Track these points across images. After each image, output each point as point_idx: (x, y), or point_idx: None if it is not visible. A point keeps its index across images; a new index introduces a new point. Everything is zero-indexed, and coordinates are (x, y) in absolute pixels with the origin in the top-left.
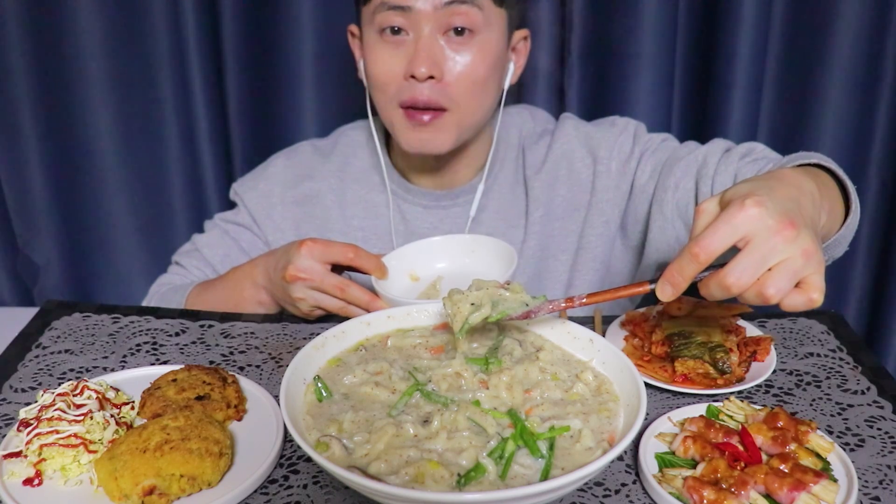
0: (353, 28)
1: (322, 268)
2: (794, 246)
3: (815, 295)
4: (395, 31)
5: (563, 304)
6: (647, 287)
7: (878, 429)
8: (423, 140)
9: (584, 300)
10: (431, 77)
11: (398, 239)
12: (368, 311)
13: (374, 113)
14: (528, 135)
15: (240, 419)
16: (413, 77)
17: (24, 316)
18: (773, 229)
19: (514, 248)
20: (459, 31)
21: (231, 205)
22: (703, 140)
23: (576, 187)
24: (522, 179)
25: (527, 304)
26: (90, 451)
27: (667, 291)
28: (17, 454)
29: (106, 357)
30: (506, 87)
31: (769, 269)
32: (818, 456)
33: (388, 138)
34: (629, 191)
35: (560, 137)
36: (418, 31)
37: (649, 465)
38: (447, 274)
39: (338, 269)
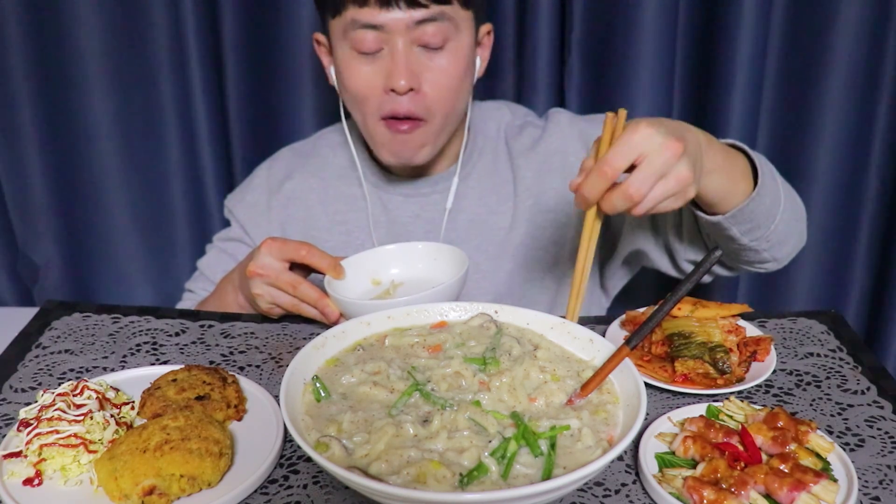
0: (320, 37)
1: (280, 265)
2: (681, 161)
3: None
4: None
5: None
6: (627, 348)
7: (878, 429)
8: (400, 151)
9: (580, 393)
10: (411, 89)
11: (380, 229)
12: (317, 307)
13: (347, 115)
14: (509, 126)
15: (240, 419)
16: (393, 90)
17: (24, 316)
18: (664, 146)
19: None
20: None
21: (227, 222)
22: None
23: (568, 180)
24: (508, 168)
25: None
26: (90, 451)
27: (580, 204)
28: (17, 454)
29: (106, 357)
30: (474, 81)
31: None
32: (818, 456)
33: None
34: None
35: (554, 132)
36: (392, 45)
37: (649, 465)
38: (406, 279)
39: (305, 272)
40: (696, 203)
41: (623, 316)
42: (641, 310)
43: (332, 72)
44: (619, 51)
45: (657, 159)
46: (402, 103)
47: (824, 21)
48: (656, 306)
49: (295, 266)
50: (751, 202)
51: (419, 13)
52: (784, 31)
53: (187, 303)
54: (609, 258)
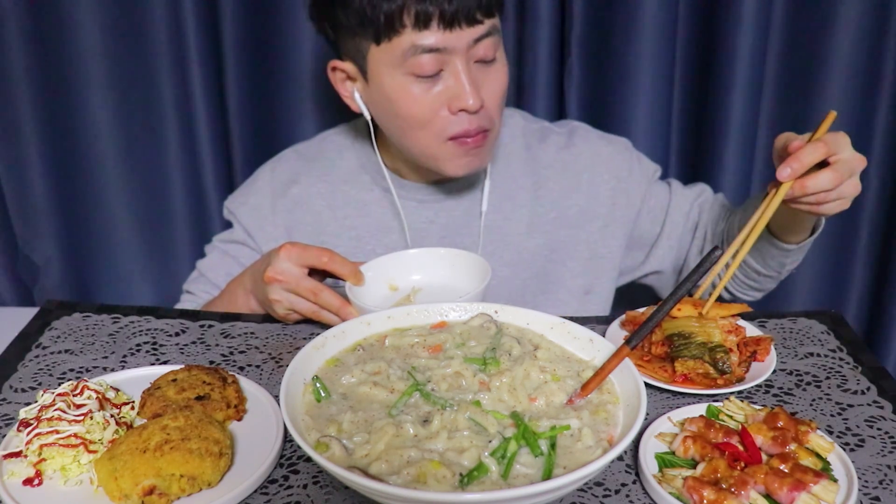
0: (339, 63)
1: (299, 271)
2: (858, 175)
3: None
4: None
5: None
6: (627, 348)
7: (878, 429)
8: (470, 163)
9: (581, 393)
10: (481, 106)
11: (392, 234)
12: (339, 315)
13: (357, 115)
14: (526, 131)
15: (240, 419)
16: (463, 110)
17: (24, 316)
18: (857, 156)
19: (509, 255)
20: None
21: (227, 223)
22: (703, 142)
23: (593, 199)
24: (526, 174)
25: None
26: (90, 451)
27: (786, 172)
28: (17, 454)
29: (106, 357)
30: None
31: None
32: (818, 456)
33: (376, 137)
34: (638, 210)
35: (584, 149)
36: (452, 65)
37: (649, 465)
38: (425, 286)
39: (321, 276)
40: (771, 231)
41: (623, 316)
42: (641, 310)
43: (358, 98)
44: (619, 51)
45: (853, 162)
46: (472, 121)
47: (824, 21)
48: (656, 306)
49: (312, 272)
50: (811, 243)
51: (478, 30)
52: (784, 31)
53: (187, 304)
54: (631, 270)
